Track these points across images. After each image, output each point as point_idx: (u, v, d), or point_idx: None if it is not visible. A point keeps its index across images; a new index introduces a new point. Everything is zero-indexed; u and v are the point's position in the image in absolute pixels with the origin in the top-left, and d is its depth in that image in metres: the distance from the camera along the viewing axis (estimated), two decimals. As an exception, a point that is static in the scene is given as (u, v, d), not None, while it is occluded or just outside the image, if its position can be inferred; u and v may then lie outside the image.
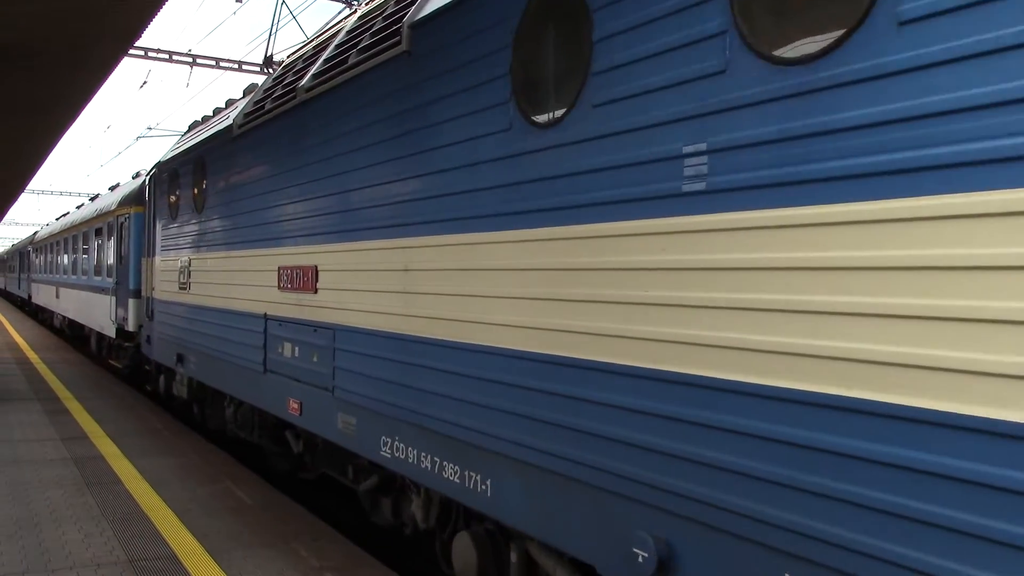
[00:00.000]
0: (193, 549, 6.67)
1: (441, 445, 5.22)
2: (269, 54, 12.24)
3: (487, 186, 4.82)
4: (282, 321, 7.87)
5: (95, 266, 19.93)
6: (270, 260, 8.18)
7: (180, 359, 11.49)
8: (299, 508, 8.04)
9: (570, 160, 4.15)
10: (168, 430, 11.88)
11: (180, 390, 12.16)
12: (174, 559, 6.44)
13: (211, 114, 12.24)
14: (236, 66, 23.41)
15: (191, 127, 13.20)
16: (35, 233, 42.42)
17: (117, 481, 8.81)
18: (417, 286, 5.51)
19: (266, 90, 9.35)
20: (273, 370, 8.08)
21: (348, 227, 6.52)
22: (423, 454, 5.43)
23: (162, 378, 13.37)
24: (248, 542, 6.90)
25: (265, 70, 12.62)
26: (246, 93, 10.92)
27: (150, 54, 22.15)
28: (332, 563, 6.45)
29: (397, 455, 5.74)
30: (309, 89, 7.39)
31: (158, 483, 8.76)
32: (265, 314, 8.26)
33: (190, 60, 22.83)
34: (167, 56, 22.45)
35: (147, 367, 14.82)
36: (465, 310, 4.97)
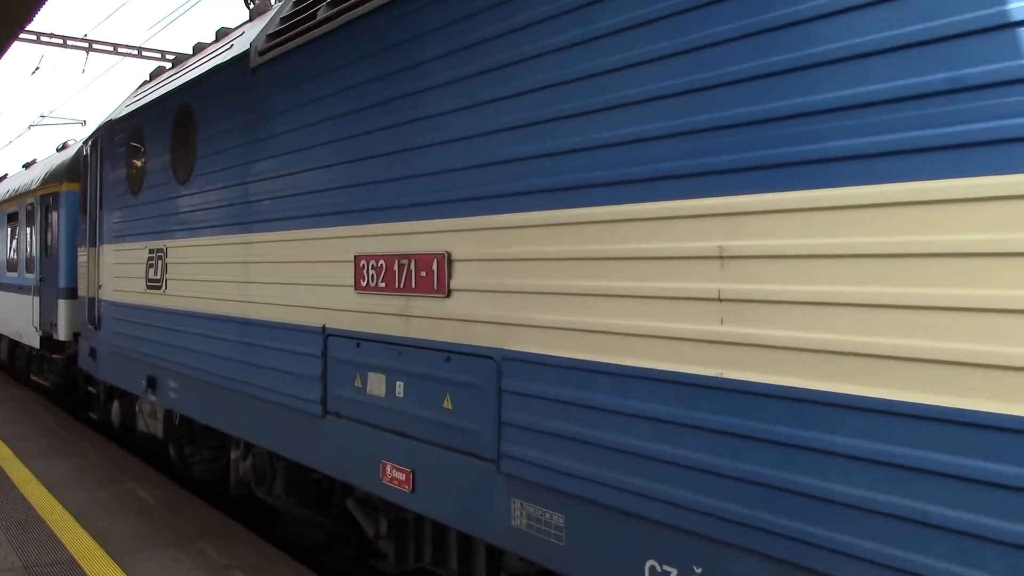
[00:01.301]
0: (93, 552, 6.39)
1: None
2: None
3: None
4: (363, 339, 5.05)
5: (9, 259, 16.36)
6: (336, 246, 5.34)
7: (152, 384, 8.44)
8: (206, 507, 7.71)
9: None
10: (65, 430, 11.25)
11: (152, 426, 9.08)
12: (72, 563, 6.15)
13: (190, 52, 9.14)
14: (135, 52, 21.58)
15: (154, 74, 10.05)
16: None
17: (10, 485, 8.31)
18: (767, 285, 2.85)
19: (297, 2, 6.47)
20: (344, 414, 5.26)
21: (547, 183, 3.77)
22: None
23: (116, 406, 10.22)
24: (152, 542, 6.64)
25: (248, 5, 9.65)
26: (254, 15, 7.95)
27: (43, 39, 20.45)
28: (242, 561, 6.23)
29: (704, 604, 3.06)
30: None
31: (55, 485, 8.32)
32: (324, 327, 5.42)
33: (86, 45, 21.09)
34: (61, 41, 20.73)
35: (91, 388, 11.59)
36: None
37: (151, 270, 8.38)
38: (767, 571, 2.86)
